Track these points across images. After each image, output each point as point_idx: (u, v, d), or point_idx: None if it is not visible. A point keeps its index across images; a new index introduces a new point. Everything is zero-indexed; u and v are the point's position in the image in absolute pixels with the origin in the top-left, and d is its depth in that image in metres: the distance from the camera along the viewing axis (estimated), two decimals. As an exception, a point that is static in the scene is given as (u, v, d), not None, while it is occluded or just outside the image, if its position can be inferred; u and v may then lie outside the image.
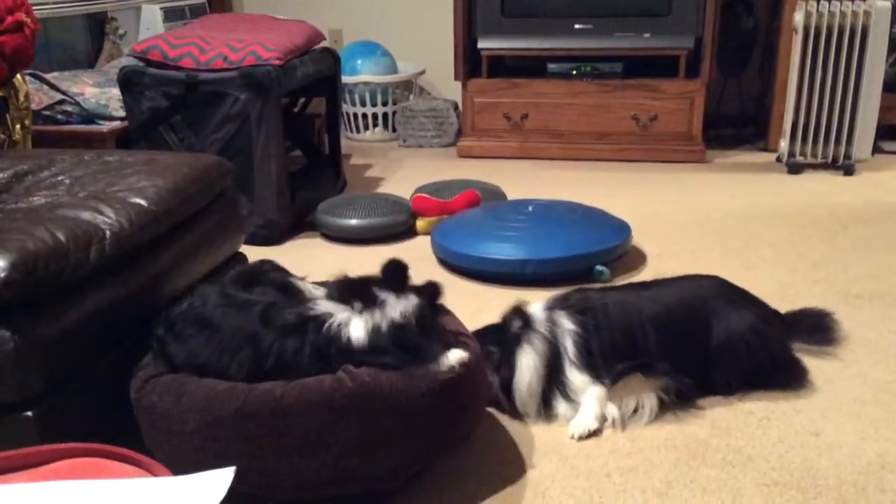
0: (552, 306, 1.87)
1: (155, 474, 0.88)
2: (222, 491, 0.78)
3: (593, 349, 1.80)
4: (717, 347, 1.87)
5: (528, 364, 1.78)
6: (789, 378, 1.92)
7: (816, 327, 2.10)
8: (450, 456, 1.63)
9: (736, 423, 1.79)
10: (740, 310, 1.92)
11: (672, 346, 1.83)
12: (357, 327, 1.46)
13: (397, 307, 1.49)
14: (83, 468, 0.90)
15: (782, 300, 2.25)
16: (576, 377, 1.78)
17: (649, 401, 1.81)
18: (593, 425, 1.75)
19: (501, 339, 1.82)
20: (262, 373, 1.43)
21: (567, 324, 1.82)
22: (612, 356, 1.80)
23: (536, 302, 1.90)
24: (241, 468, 1.39)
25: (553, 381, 1.79)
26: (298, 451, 1.39)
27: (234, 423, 1.39)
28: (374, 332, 1.46)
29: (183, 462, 1.43)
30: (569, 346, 1.79)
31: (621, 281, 2.50)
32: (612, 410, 1.79)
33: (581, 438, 1.73)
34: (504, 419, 1.83)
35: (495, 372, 1.80)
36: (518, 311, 1.85)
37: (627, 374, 1.79)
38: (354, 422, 1.40)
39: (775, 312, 2.03)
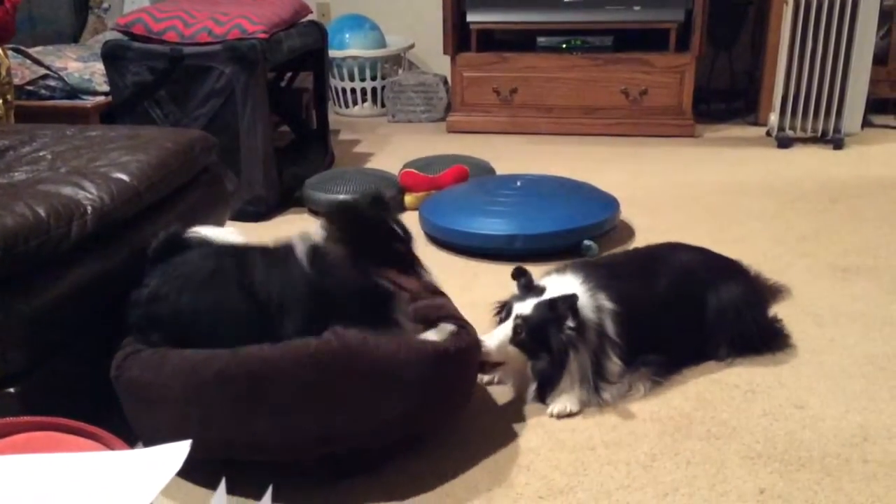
0: (593, 288, 1.80)
1: (112, 448, 0.88)
2: (177, 464, 0.78)
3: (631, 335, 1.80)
4: (711, 317, 1.92)
5: (579, 366, 1.74)
6: (772, 341, 1.97)
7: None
8: (433, 429, 1.64)
9: (721, 396, 1.79)
10: (729, 280, 1.97)
11: (674, 324, 1.88)
12: None
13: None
14: (39, 442, 0.90)
15: (770, 273, 2.26)
16: (616, 366, 1.78)
17: (642, 384, 1.82)
18: (575, 408, 1.74)
19: (550, 337, 1.72)
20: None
21: (608, 306, 1.79)
22: (637, 341, 1.81)
23: (570, 275, 1.84)
24: (226, 432, 1.41)
25: (596, 370, 1.77)
26: (282, 411, 1.41)
27: (217, 387, 1.40)
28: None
29: (166, 431, 1.43)
30: (611, 334, 1.77)
31: (609, 255, 2.50)
32: (606, 397, 1.78)
33: (559, 417, 1.73)
34: (491, 392, 1.83)
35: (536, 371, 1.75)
36: (572, 307, 1.71)
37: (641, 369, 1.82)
38: (337, 381, 1.41)
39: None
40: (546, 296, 1.75)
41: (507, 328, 1.74)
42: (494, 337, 1.73)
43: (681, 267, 1.98)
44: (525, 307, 1.74)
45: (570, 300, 1.70)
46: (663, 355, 1.85)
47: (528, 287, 1.81)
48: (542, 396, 1.76)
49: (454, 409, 1.64)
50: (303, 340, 1.43)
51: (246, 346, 1.43)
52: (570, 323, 1.71)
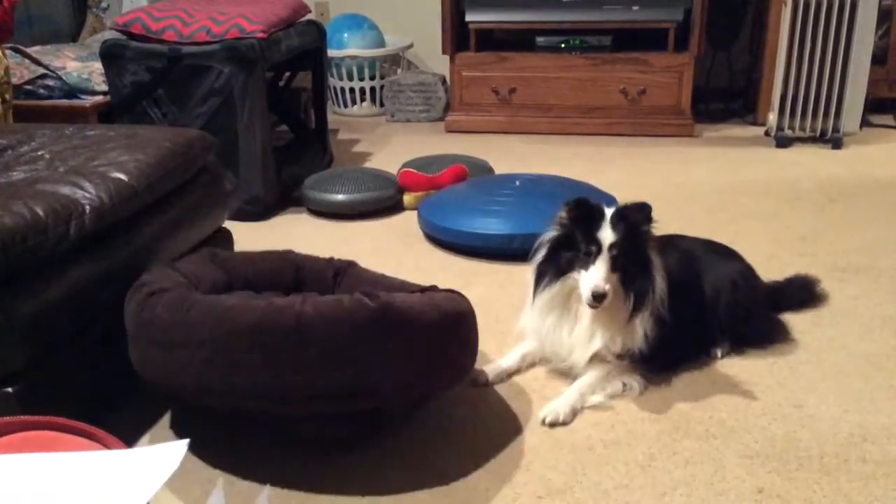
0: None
1: (109, 447, 0.88)
2: (175, 463, 0.77)
3: None
4: (710, 295, 1.94)
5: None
6: (770, 329, 2.00)
7: (803, 293, 2.20)
8: (450, 386, 1.67)
9: (719, 395, 1.79)
10: (726, 260, 2.02)
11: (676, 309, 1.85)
12: None
13: None
14: (36, 441, 0.90)
15: (769, 273, 2.25)
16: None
17: (637, 382, 1.81)
18: (567, 419, 1.71)
19: (638, 248, 1.74)
20: None
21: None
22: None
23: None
24: (253, 381, 1.43)
25: None
26: (317, 366, 1.43)
27: (252, 335, 1.41)
28: None
29: (183, 376, 1.47)
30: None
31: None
32: (597, 399, 1.78)
33: (551, 425, 1.70)
34: (488, 395, 1.83)
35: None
36: (647, 213, 1.74)
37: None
38: (375, 338, 1.45)
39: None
40: (610, 211, 1.74)
41: (602, 264, 1.70)
42: (596, 275, 1.69)
43: (683, 250, 2.00)
44: (607, 235, 1.70)
45: (645, 207, 1.72)
46: (661, 349, 1.83)
47: (594, 214, 1.74)
48: (639, 309, 1.74)
49: (468, 366, 1.69)
50: (335, 298, 1.47)
51: (282, 300, 1.46)
52: (646, 227, 1.73)
